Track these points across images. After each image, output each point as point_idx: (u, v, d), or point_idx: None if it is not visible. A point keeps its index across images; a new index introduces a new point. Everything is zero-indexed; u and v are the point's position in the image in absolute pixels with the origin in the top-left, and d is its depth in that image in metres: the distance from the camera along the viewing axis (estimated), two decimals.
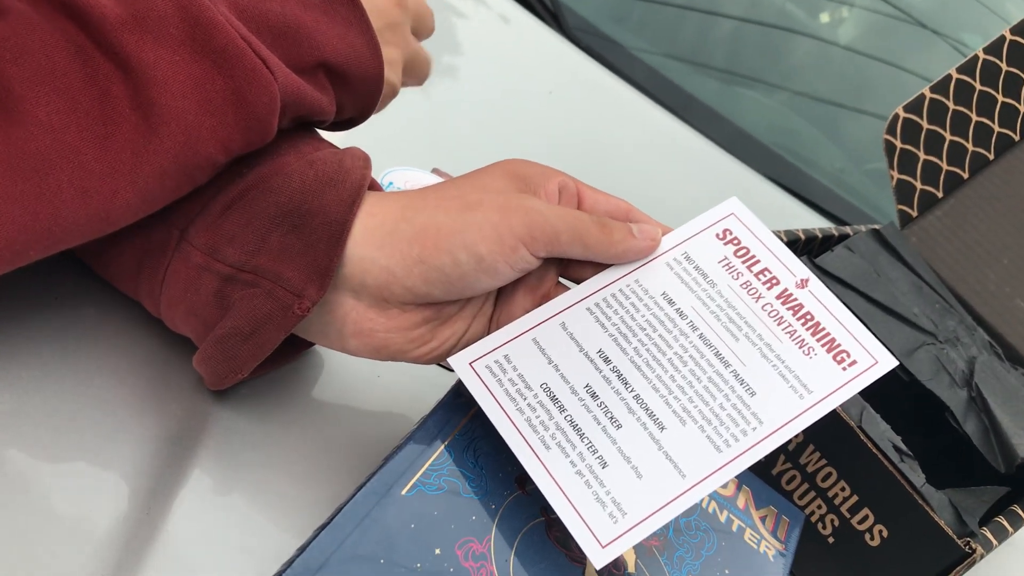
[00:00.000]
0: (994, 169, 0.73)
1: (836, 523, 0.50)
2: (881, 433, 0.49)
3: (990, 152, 0.73)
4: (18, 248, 0.35)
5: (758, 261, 0.45)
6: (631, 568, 0.41)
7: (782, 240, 0.61)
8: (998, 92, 0.72)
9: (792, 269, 0.44)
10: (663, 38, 1.15)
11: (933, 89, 0.71)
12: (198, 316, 0.40)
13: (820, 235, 0.65)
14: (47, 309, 0.43)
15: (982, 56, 0.71)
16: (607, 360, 0.41)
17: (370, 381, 0.48)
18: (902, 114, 0.72)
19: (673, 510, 0.37)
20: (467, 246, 0.39)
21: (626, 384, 0.40)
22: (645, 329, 0.42)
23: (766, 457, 0.52)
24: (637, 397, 0.40)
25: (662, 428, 0.39)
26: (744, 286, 0.44)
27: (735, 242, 0.45)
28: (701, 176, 0.87)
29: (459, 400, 0.42)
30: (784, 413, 0.39)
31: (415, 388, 0.48)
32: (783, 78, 1.23)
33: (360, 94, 0.46)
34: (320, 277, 0.38)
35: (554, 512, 0.37)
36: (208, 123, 0.37)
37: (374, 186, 0.42)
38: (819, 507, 0.51)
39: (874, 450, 0.48)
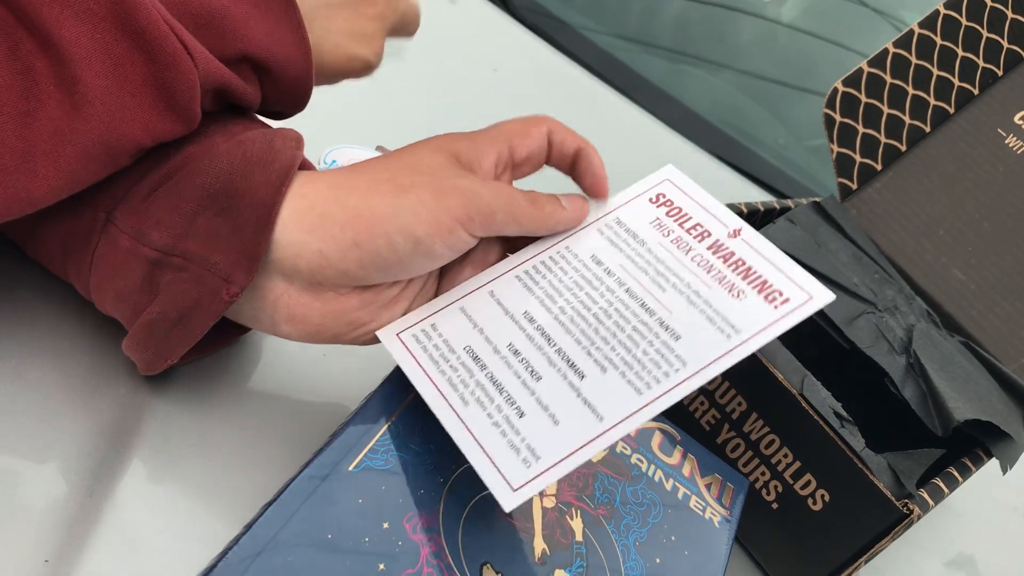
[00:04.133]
0: (930, 141, 0.75)
1: (780, 489, 0.51)
2: (822, 400, 0.50)
3: (926, 124, 0.75)
4: None
5: (690, 218, 0.45)
6: (579, 536, 0.41)
7: None
8: (933, 66, 0.74)
9: (725, 221, 0.45)
10: (610, 18, 1.15)
11: (871, 63, 0.73)
12: (126, 301, 0.40)
13: (762, 208, 0.66)
14: None
15: (917, 30, 0.73)
16: (532, 320, 0.41)
17: (314, 362, 0.47)
18: (841, 88, 0.73)
19: (587, 452, 0.37)
20: (403, 229, 0.39)
21: (549, 340, 0.40)
22: (571, 289, 0.42)
23: (710, 426, 0.53)
24: (559, 351, 0.40)
25: (582, 377, 0.39)
26: (674, 242, 0.44)
27: (667, 204, 0.46)
28: (648, 154, 0.88)
29: (405, 376, 0.42)
30: (708, 354, 0.40)
31: (360, 367, 0.47)
32: (729, 57, 1.24)
33: (286, 91, 0.45)
34: (248, 261, 0.38)
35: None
36: (130, 104, 0.37)
37: (306, 166, 0.42)
38: (763, 474, 0.52)
39: (815, 416, 0.49)
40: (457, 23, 0.89)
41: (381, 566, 0.35)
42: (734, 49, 1.25)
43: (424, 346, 0.40)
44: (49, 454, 0.39)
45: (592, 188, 0.46)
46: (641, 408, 0.38)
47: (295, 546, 0.34)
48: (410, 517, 0.37)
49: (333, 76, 0.49)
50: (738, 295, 0.42)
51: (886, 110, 0.74)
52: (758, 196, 0.94)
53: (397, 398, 0.41)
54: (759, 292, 0.42)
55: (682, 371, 0.39)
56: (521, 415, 0.38)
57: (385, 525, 0.37)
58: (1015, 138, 0.74)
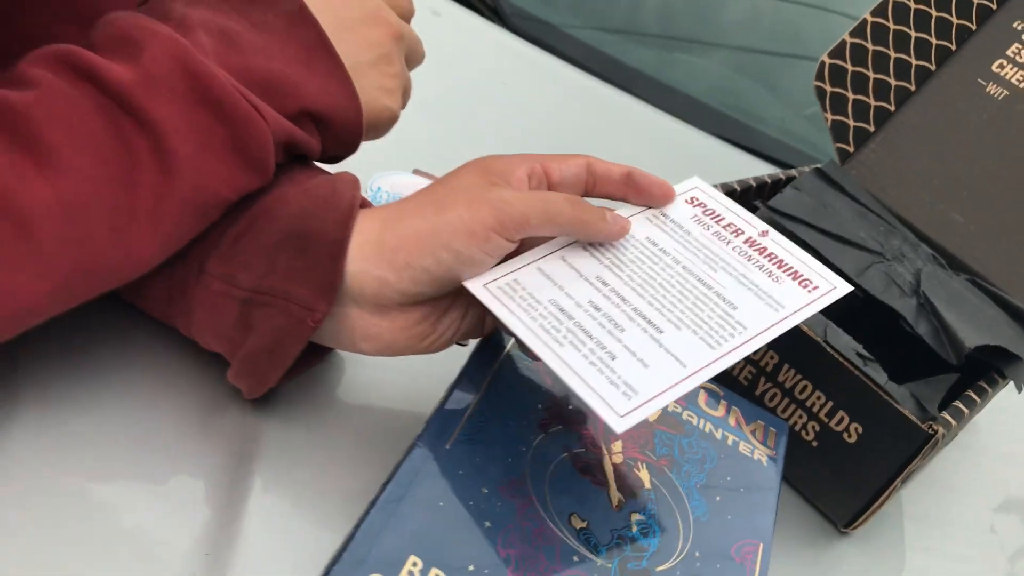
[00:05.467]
0: (917, 99, 0.81)
1: (817, 428, 0.57)
2: (845, 344, 0.56)
3: (911, 84, 0.81)
4: (71, 288, 0.41)
5: (723, 218, 0.52)
6: (647, 485, 0.48)
7: (737, 190, 0.68)
8: (910, 28, 0.80)
9: (753, 224, 0.52)
10: (595, 14, 1.21)
11: (852, 34, 0.78)
12: (225, 337, 0.46)
13: (769, 180, 0.71)
14: (104, 344, 0.48)
15: None
16: (605, 283, 0.47)
17: (394, 367, 0.54)
18: (827, 60, 0.79)
19: (677, 391, 0.43)
20: (444, 244, 0.44)
21: (624, 300, 0.46)
22: (635, 262, 0.48)
23: (748, 381, 0.59)
24: (635, 310, 0.46)
25: (660, 332, 0.45)
26: (715, 235, 0.51)
27: (702, 206, 0.52)
28: (655, 144, 0.94)
29: (480, 363, 0.48)
30: (763, 322, 0.46)
31: (434, 366, 0.54)
32: (716, 37, 1.29)
33: (341, 137, 0.50)
34: (327, 291, 0.44)
35: (576, 406, 0.43)
36: (215, 166, 0.43)
37: (364, 204, 0.48)
38: (800, 417, 0.58)
39: (840, 359, 0.55)
40: (454, 42, 0.94)
41: (487, 523, 0.42)
42: (720, 28, 1.31)
43: (512, 297, 0.45)
44: (185, 469, 0.45)
45: (659, 194, 0.52)
46: (718, 359, 0.44)
47: (412, 515, 0.41)
48: (503, 481, 0.44)
49: (369, 127, 0.53)
50: (776, 280, 0.49)
51: (872, 75, 0.80)
52: (763, 169, 1.00)
53: (477, 382, 0.47)
54: (793, 279, 0.49)
55: (744, 334, 0.46)
56: (613, 358, 0.43)
57: (484, 490, 0.43)
58: (995, 85, 0.79)
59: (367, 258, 0.44)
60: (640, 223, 0.51)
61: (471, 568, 0.40)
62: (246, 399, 0.48)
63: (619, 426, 0.41)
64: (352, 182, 0.47)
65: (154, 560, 0.41)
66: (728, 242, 0.51)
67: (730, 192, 0.68)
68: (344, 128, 0.50)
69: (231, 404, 0.48)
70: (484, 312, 0.49)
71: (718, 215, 0.53)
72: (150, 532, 0.42)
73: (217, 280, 0.45)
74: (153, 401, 0.47)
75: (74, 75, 0.41)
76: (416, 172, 0.70)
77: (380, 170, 0.69)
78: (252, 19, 0.46)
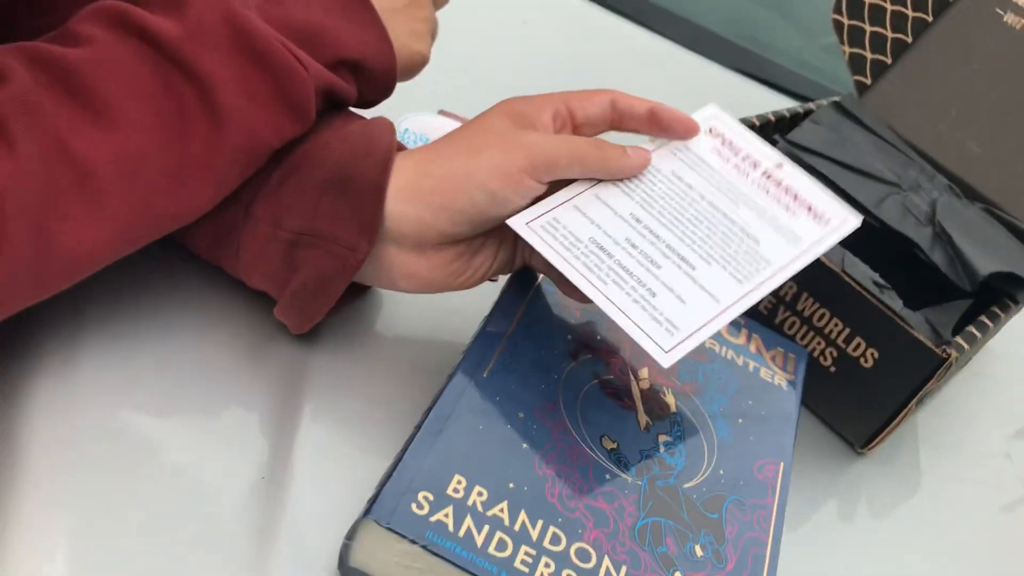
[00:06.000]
0: (933, 31, 0.81)
1: (835, 354, 0.59)
2: (862, 272, 0.58)
3: (928, 15, 0.81)
4: (134, 232, 0.43)
5: (741, 150, 0.54)
6: (673, 408, 0.50)
7: (755, 124, 0.69)
8: None
9: (769, 155, 0.54)
10: None
11: None
12: (272, 278, 0.48)
13: (788, 114, 0.73)
14: (157, 285, 0.51)
15: None
16: (638, 220, 0.49)
17: (429, 302, 0.56)
18: None
19: (714, 327, 0.46)
20: (480, 186, 0.46)
21: (657, 237, 0.49)
22: (664, 198, 0.50)
23: (768, 310, 0.61)
24: (668, 247, 0.48)
25: (693, 268, 0.48)
26: (735, 167, 0.53)
27: (720, 136, 0.54)
28: (671, 77, 0.95)
29: (512, 297, 0.51)
30: (784, 256, 0.49)
31: (465, 305, 0.56)
32: None
33: (377, 83, 0.52)
34: (369, 232, 0.46)
35: (620, 330, 0.46)
36: (260, 115, 0.45)
37: (400, 147, 0.50)
38: (819, 343, 0.60)
39: (857, 288, 0.58)
40: None
41: (525, 445, 0.44)
42: None
43: (554, 236, 0.48)
44: (240, 401, 0.48)
45: (682, 130, 0.53)
46: (747, 294, 0.47)
47: (457, 438, 0.43)
48: (537, 406, 0.46)
49: (399, 74, 0.55)
50: (793, 214, 0.52)
51: (889, 7, 0.80)
52: (781, 102, 1.01)
53: (509, 316, 0.50)
54: (808, 212, 0.52)
55: (768, 268, 0.49)
56: (653, 295, 0.46)
57: (520, 415, 0.46)
58: (1012, 15, 0.80)
59: (406, 199, 0.47)
60: (664, 157, 0.53)
61: (511, 486, 0.42)
62: (292, 334, 0.51)
63: (665, 361, 0.43)
64: (388, 127, 0.49)
65: (213, 486, 0.44)
66: (747, 175, 0.53)
67: (750, 127, 0.69)
68: (379, 75, 0.52)
69: (279, 338, 0.51)
70: (514, 249, 0.51)
71: (736, 146, 0.54)
72: (208, 461, 0.45)
73: (263, 223, 0.47)
74: (205, 338, 0.50)
75: (125, 32, 0.43)
76: (442, 112, 0.72)
77: (406, 111, 0.70)
78: None
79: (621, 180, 0.51)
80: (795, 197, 0.53)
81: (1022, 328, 0.71)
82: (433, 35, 0.59)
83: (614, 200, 0.50)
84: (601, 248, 0.48)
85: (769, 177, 0.53)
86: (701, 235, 0.49)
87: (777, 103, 1.00)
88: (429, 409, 0.45)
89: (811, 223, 0.52)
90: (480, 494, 0.42)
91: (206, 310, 0.51)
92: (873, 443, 0.59)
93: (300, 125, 0.47)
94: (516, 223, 0.48)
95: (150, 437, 0.45)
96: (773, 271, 0.49)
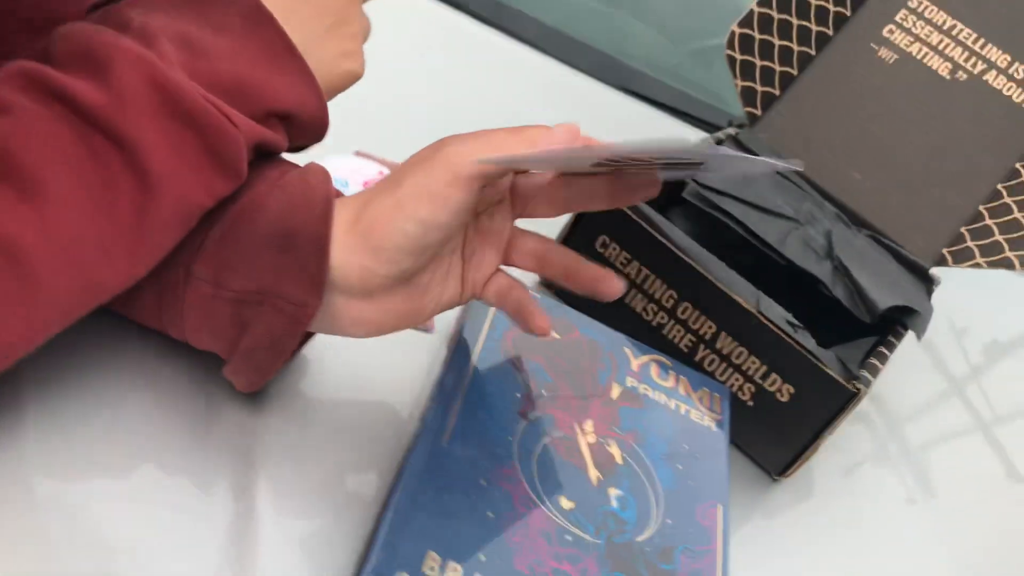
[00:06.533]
0: (817, 63, 0.86)
1: (753, 390, 0.63)
2: (777, 313, 0.62)
3: (812, 49, 0.86)
4: (69, 309, 0.42)
5: None
6: (619, 460, 0.52)
7: None
8: None
9: None
10: None
11: (759, 4, 0.83)
12: (221, 337, 0.48)
13: None
14: (98, 355, 0.49)
15: None
16: None
17: (373, 353, 0.56)
18: (737, 30, 0.83)
19: None
20: (408, 217, 0.45)
21: None
22: None
23: (689, 349, 0.64)
24: None
25: None
26: None
27: None
28: (580, 108, 0.97)
29: (460, 349, 0.52)
30: None
31: (408, 354, 0.57)
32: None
33: (307, 130, 0.51)
34: (316, 287, 0.46)
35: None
36: (191, 177, 0.44)
37: (336, 194, 0.49)
38: (737, 380, 0.63)
39: (773, 328, 0.61)
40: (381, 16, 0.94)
41: (490, 514, 0.46)
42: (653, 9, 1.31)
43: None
44: (191, 474, 0.47)
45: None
46: None
47: (426, 513, 0.44)
48: (496, 472, 0.48)
49: (332, 93, 0.53)
50: None
51: (777, 42, 0.85)
52: (654, 116, 1.04)
53: (459, 377, 0.51)
54: None
55: None
56: None
57: (482, 482, 0.47)
58: (885, 49, 0.86)
59: (348, 247, 0.46)
60: None
61: (483, 559, 0.44)
62: (240, 394, 0.50)
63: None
64: (324, 175, 0.48)
65: (168, 569, 0.44)
66: None
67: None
68: (309, 122, 0.51)
69: (226, 404, 0.50)
70: (461, 282, 0.51)
71: None
72: (159, 540, 0.44)
73: (205, 283, 0.46)
74: (150, 408, 0.49)
75: (45, 98, 0.41)
76: (358, 154, 0.72)
77: (323, 153, 0.69)
78: (210, 20, 0.46)
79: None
80: None
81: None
82: (365, 37, 0.57)
83: None
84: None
85: None
86: None
87: (650, 116, 1.03)
88: (395, 483, 0.45)
89: None
90: (454, 570, 0.43)
91: (149, 377, 0.50)
92: (789, 471, 0.63)
93: (232, 183, 0.46)
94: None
95: (95, 513, 0.44)
96: None
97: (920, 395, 0.88)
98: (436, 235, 0.46)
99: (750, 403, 0.63)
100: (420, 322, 0.50)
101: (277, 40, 0.47)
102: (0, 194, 0.39)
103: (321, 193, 0.47)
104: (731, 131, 0.81)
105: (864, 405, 0.77)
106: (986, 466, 0.85)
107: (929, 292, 0.75)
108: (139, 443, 0.47)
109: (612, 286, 0.51)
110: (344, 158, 0.71)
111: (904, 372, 0.84)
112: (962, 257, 0.79)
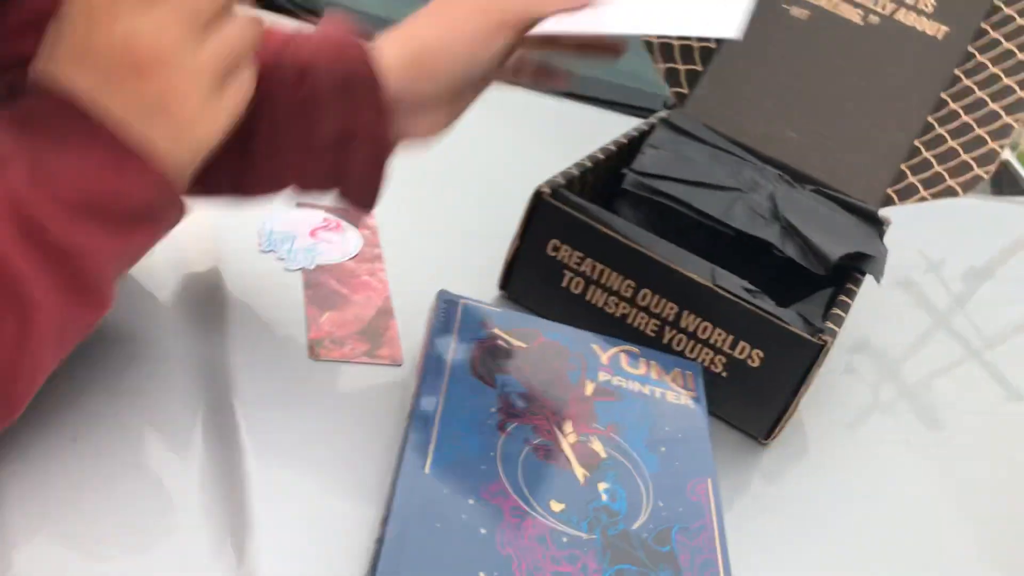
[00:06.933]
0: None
1: (724, 361, 0.64)
2: (734, 283, 0.63)
3: None
4: None
5: None
6: (603, 454, 0.53)
7: (601, 158, 0.73)
8: None
9: None
10: None
11: None
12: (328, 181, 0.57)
13: (627, 140, 0.77)
14: (91, 379, 0.50)
15: None
16: None
17: (341, 396, 0.57)
18: None
19: None
20: (459, 55, 0.54)
21: None
22: None
23: (655, 332, 0.65)
24: None
25: None
26: None
27: None
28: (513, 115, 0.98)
29: (431, 372, 0.53)
30: None
31: (378, 392, 0.57)
32: None
33: (172, 216, 0.48)
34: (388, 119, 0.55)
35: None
36: (60, 307, 0.43)
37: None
38: (707, 354, 0.64)
39: (732, 297, 0.62)
40: None
41: (483, 530, 0.46)
42: None
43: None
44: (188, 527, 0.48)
45: None
46: None
47: (419, 544, 0.45)
48: (483, 488, 0.48)
49: (193, 166, 0.48)
50: None
51: None
52: (613, 120, 1.05)
53: (432, 402, 0.52)
54: None
55: None
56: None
57: (470, 501, 0.48)
58: (796, 8, 0.87)
59: (400, 79, 0.54)
60: None
61: (481, 575, 0.44)
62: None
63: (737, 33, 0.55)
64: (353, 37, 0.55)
65: None
66: None
67: (596, 164, 0.73)
68: (170, 209, 0.48)
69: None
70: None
71: None
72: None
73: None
74: (140, 482, 0.49)
75: None
76: (300, 205, 0.73)
77: (265, 211, 0.70)
78: (46, 139, 0.44)
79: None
80: None
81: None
82: (240, 51, 0.49)
83: None
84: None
85: None
86: None
87: (610, 122, 1.05)
88: (385, 519, 0.46)
89: None
90: None
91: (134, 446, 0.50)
92: (774, 433, 0.64)
93: (97, 310, 0.45)
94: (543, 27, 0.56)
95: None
96: None
97: (908, 335, 0.89)
98: (481, 69, 0.56)
99: (724, 374, 0.64)
100: (453, 121, 0.59)
101: (114, 146, 0.44)
102: None
103: (357, 49, 0.54)
104: (662, 114, 0.83)
105: (852, 356, 0.78)
106: (985, 392, 0.86)
107: (880, 234, 0.76)
108: (128, 531, 0.48)
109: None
110: (287, 211, 0.72)
111: (887, 316, 0.86)
112: (907, 194, 0.81)
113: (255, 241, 0.68)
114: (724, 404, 0.65)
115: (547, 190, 0.66)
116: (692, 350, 0.65)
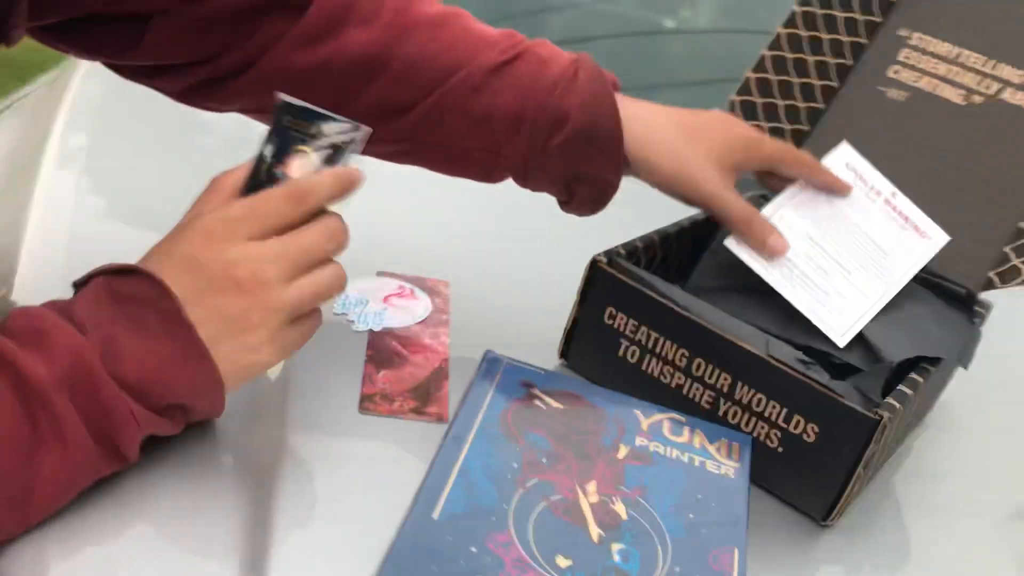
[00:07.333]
0: (828, 116, 0.87)
1: (779, 435, 0.62)
2: (787, 354, 0.61)
3: (820, 103, 0.87)
4: None
5: (867, 181, 0.75)
6: (624, 516, 0.52)
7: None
8: (806, 54, 0.86)
9: (886, 186, 0.75)
10: None
11: (754, 70, 0.85)
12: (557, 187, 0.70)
13: (703, 218, 0.77)
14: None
15: (783, 31, 0.85)
16: (810, 238, 0.71)
17: (374, 450, 0.59)
18: (736, 99, 0.85)
19: (867, 316, 0.68)
20: (691, 176, 0.69)
21: (824, 251, 0.71)
22: (826, 219, 0.72)
23: (710, 404, 0.63)
24: (833, 258, 0.70)
25: (849, 273, 0.70)
26: (865, 195, 0.74)
27: (854, 171, 0.75)
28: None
29: (453, 441, 0.54)
30: (904, 265, 0.72)
31: (416, 447, 0.59)
32: (664, 76, 1.35)
33: (203, 413, 0.55)
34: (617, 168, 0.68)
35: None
36: (89, 456, 0.50)
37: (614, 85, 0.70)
38: (762, 428, 0.62)
39: (786, 369, 0.60)
40: None
41: None
42: (666, 67, 1.37)
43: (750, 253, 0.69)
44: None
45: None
46: (885, 292, 0.70)
47: None
48: (489, 538, 0.49)
49: (239, 380, 0.55)
50: (905, 231, 0.74)
51: (781, 103, 0.86)
52: None
53: (453, 455, 0.53)
54: (915, 231, 0.74)
55: (896, 274, 0.71)
56: (827, 295, 0.68)
57: (473, 549, 0.48)
58: (895, 90, 0.86)
59: (638, 148, 0.68)
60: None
61: None
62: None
63: (841, 341, 0.66)
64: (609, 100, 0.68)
65: None
66: (873, 201, 0.74)
67: (663, 238, 0.73)
68: (206, 411, 0.55)
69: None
70: None
71: (864, 178, 0.75)
72: None
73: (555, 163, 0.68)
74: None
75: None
76: (380, 273, 0.76)
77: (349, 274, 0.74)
78: (133, 320, 0.51)
79: (796, 207, 0.72)
80: (906, 220, 0.74)
81: (965, 375, 0.74)
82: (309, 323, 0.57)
83: (793, 222, 0.70)
84: (788, 259, 0.69)
85: (887, 202, 0.74)
86: (852, 249, 0.71)
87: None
88: (390, 551, 0.47)
89: (919, 239, 0.73)
90: None
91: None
92: (833, 514, 0.61)
93: (118, 466, 0.52)
94: (731, 244, 0.69)
95: None
96: (898, 276, 0.71)
97: (1001, 418, 0.83)
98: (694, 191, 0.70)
99: (779, 449, 0.62)
100: None
101: (189, 344, 0.51)
102: None
103: (609, 101, 0.67)
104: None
105: (929, 432, 0.74)
106: None
107: (973, 320, 0.73)
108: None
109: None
110: (366, 279, 0.75)
111: (978, 394, 0.80)
112: (1009, 276, 0.76)
113: (330, 303, 0.71)
114: (781, 482, 0.63)
115: (603, 258, 0.67)
116: (747, 423, 0.63)
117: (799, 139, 0.86)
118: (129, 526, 0.52)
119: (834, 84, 0.87)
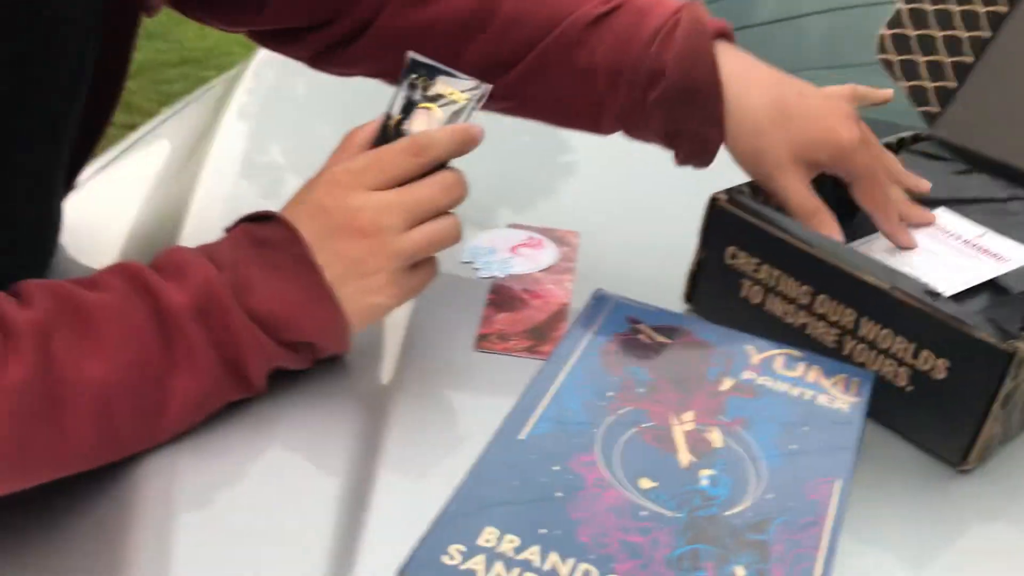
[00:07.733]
0: (997, 43, 0.80)
1: (908, 373, 0.58)
2: (914, 286, 0.57)
3: (987, 30, 0.80)
4: (97, 452, 0.52)
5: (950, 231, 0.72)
6: (718, 444, 0.51)
7: None
8: None
9: (969, 230, 0.71)
10: None
11: (905, 1, 0.80)
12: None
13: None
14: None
15: None
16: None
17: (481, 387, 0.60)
18: (887, 32, 0.80)
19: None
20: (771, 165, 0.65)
21: None
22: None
23: (835, 343, 0.61)
24: None
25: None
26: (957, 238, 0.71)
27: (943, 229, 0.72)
28: None
29: (550, 369, 0.54)
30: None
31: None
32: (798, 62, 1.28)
33: (329, 351, 0.59)
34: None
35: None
36: (220, 379, 0.55)
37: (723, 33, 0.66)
38: (890, 366, 0.59)
39: (913, 302, 0.57)
40: None
41: (559, 493, 0.47)
42: (800, 55, 1.30)
43: None
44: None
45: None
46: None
47: (491, 496, 0.47)
48: (573, 457, 0.49)
49: (362, 321, 0.58)
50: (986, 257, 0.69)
51: (939, 34, 0.80)
52: None
53: (551, 379, 0.53)
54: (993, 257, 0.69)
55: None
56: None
57: (555, 467, 0.48)
58: None
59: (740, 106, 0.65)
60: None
61: (543, 531, 0.45)
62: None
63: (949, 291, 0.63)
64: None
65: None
66: (959, 238, 0.71)
67: None
68: (330, 348, 0.59)
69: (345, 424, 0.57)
70: None
71: (953, 234, 0.71)
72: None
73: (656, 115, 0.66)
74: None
75: (138, 288, 0.53)
76: (510, 225, 0.78)
77: (475, 226, 0.76)
78: (268, 260, 0.55)
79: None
80: (979, 247, 0.70)
81: None
82: (431, 254, 0.59)
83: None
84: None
85: (968, 242, 0.70)
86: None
87: None
88: (469, 473, 0.48)
89: (992, 262, 0.68)
90: (511, 541, 0.44)
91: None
92: (969, 457, 0.57)
93: (244, 392, 0.56)
94: None
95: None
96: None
97: None
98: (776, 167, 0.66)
99: (908, 388, 0.58)
100: None
101: (316, 285, 0.55)
102: (75, 346, 0.50)
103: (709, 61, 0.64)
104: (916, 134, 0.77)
105: None
106: None
107: None
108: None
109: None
110: (497, 230, 0.77)
111: None
112: None
113: (458, 252, 0.74)
114: (913, 424, 0.59)
115: (723, 195, 0.66)
116: (874, 362, 0.60)
117: (962, 72, 0.80)
118: (251, 445, 0.56)
119: (1002, 9, 0.80)
